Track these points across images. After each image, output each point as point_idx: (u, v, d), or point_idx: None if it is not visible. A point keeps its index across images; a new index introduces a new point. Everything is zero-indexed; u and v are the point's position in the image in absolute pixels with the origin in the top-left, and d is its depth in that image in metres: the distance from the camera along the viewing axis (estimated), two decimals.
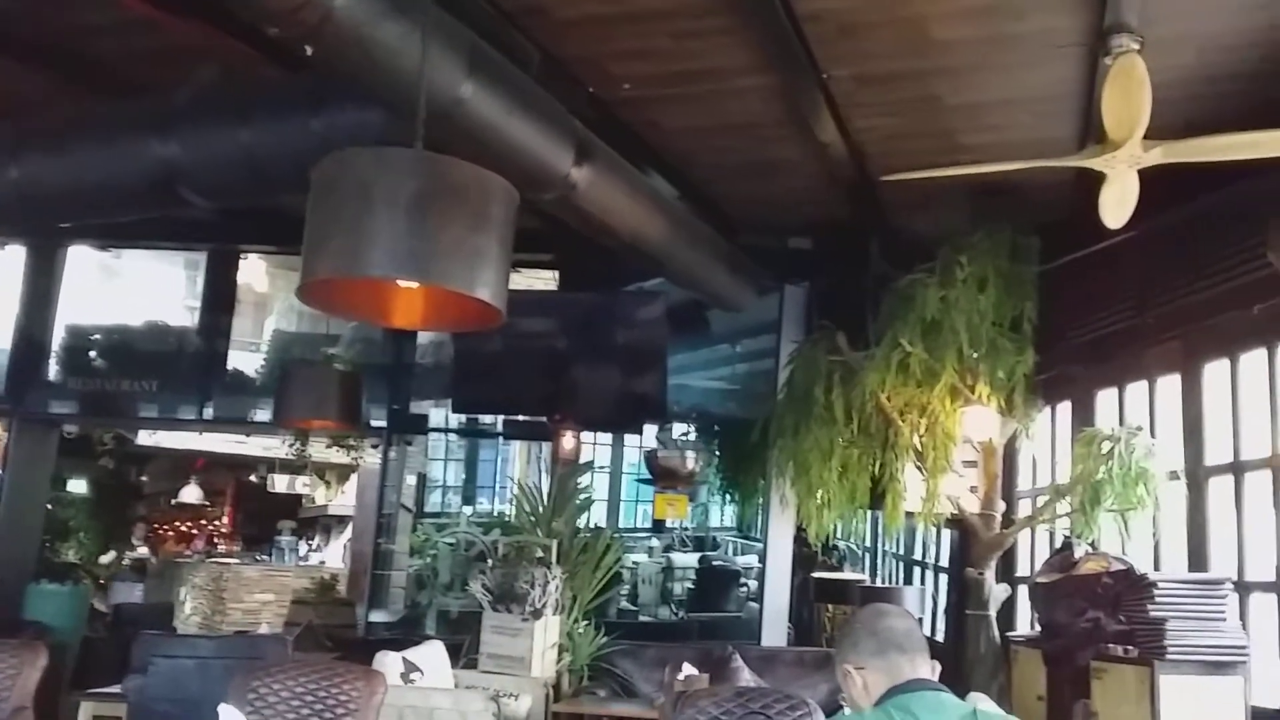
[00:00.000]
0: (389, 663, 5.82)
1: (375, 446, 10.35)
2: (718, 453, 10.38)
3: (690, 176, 7.00)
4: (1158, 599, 5.22)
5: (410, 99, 3.60)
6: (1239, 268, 5.70)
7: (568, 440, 7.67)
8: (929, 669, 2.55)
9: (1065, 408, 7.51)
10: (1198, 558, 6.22)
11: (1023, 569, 7.63)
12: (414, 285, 3.34)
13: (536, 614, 6.52)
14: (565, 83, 5.37)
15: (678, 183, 6.95)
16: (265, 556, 15.78)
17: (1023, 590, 7.32)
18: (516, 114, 4.63)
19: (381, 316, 3.83)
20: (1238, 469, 5.96)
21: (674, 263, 6.74)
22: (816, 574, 9.54)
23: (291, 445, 11.75)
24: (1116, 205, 4.51)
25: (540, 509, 7.51)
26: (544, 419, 8.20)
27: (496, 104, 4.46)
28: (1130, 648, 5.36)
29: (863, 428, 7.02)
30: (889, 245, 7.69)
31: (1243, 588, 5.81)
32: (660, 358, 7.90)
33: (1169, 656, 5.13)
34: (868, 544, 11.94)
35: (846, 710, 2.63)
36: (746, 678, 6.93)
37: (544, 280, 9.31)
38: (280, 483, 16.74)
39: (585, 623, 7.28)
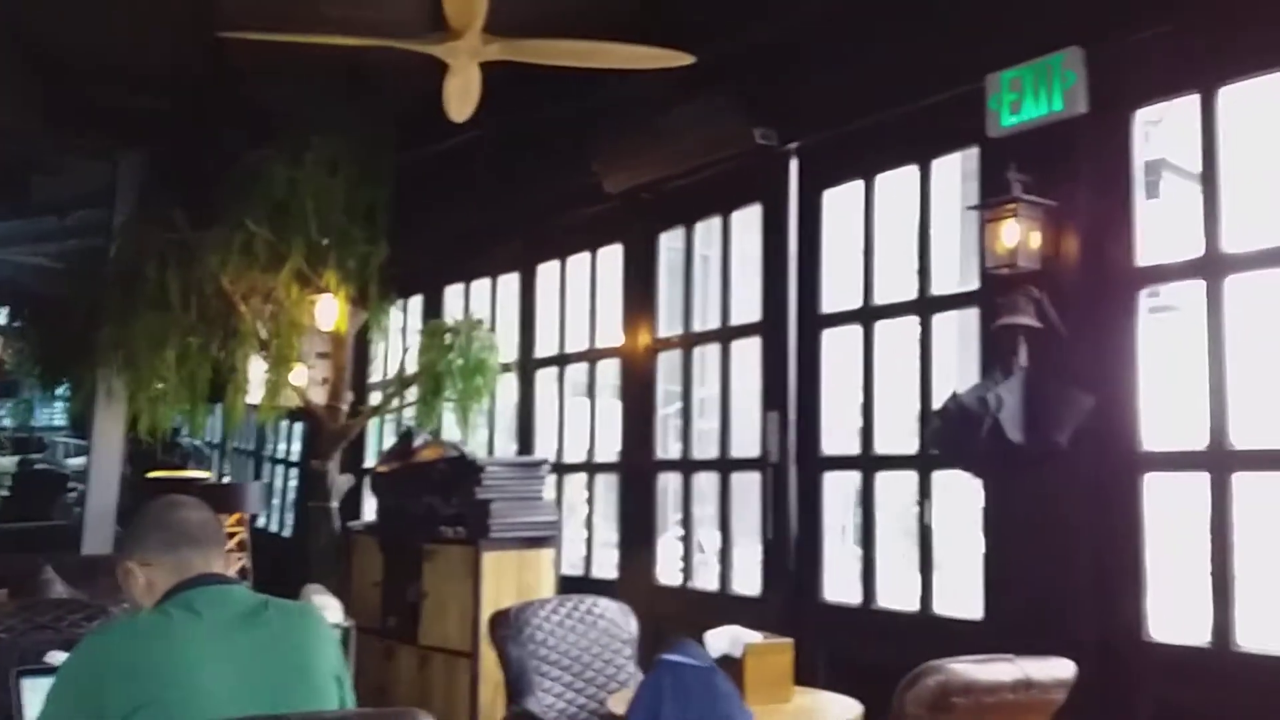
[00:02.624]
0: None
1: None
2: (38, 341, 9.08)
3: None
4: (484, 482, 5.51)
5: None
6: (572, 177, 6.13)
7: None
8: (223, 563, 2.34)
9: (418, 301, 7.68)
10: (525, 442, 6.74)
11: (374, 460, 7.72)
12: None
13: None
14: None
15: None
16: None
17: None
18: None
19: None
20: (561, 361, 6.53)
21: None
22: (155, 474, 8.82)
23: None
24: (460, 98, 4.54)
25: None
26: None
27: None
28: (460, 529, 5.63)
29: (203, 314, 6.49)
30: (243, 117, 7.14)
31: (560, 469, 6.41)
32: None
33: (492, 535, 5.46)
34: (217, 440, 11.36)
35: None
36: (59, 590, 6.17)
37: None
38: None
39: None
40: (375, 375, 7.83)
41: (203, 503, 2.48)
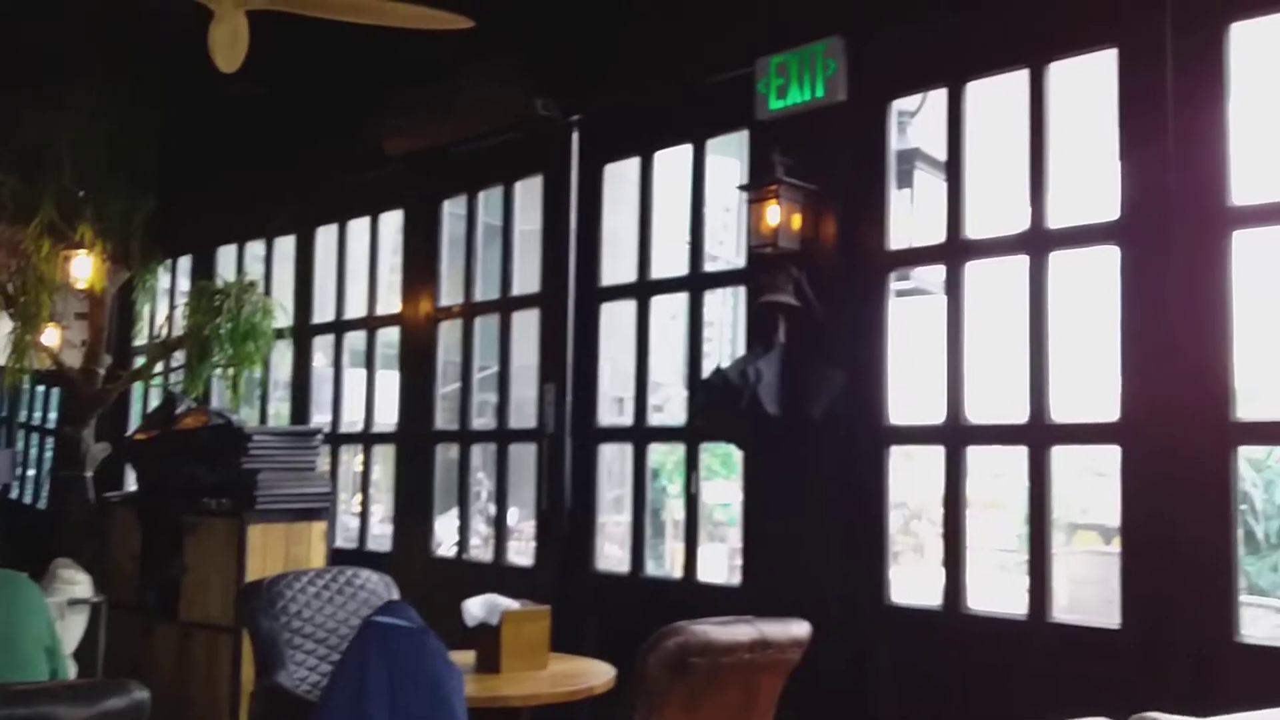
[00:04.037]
0: None
1: None
2: None
3: None
4: (251, 451, 5.31)
5: None
6: (353, 139, 5.94)
7: None
8: None
9: (189, 261, 7.30)
10: (300, 411, 6.53)
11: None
12: None
13: None
14: None
15: None
16: None
17: None
18: None
19: None
20: (339, 328, 6.35)
21: None
22: None
23: None
24: (226, 47, 4.31)
25: None
26: None
27: None
28: (224, 500, 5.41)
29: None
30: None
31: (336, 439, 6.24)
32: None
33: (258, 506, 5.27)
34: None
35: None
36: None
37: None
38: None
39: None
40: (141, 338, 7.41)
41: None
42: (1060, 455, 3.70)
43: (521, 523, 6.13)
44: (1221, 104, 3.34)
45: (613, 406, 5.64)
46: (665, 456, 7.29)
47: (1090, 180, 3.81)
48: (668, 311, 5.16)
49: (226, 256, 6.98)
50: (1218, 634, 3.25)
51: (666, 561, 7.97)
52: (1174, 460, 3.35)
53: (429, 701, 2.18)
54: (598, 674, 3.57)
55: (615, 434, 5.08)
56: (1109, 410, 3.53)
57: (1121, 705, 2.17)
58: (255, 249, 6.85)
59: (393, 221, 6.02)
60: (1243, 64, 3.37)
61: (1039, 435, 3.63)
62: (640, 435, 4.89)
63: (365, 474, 6.27)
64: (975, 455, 3.88)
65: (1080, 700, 2.97)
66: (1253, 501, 7.98)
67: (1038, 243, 3.68)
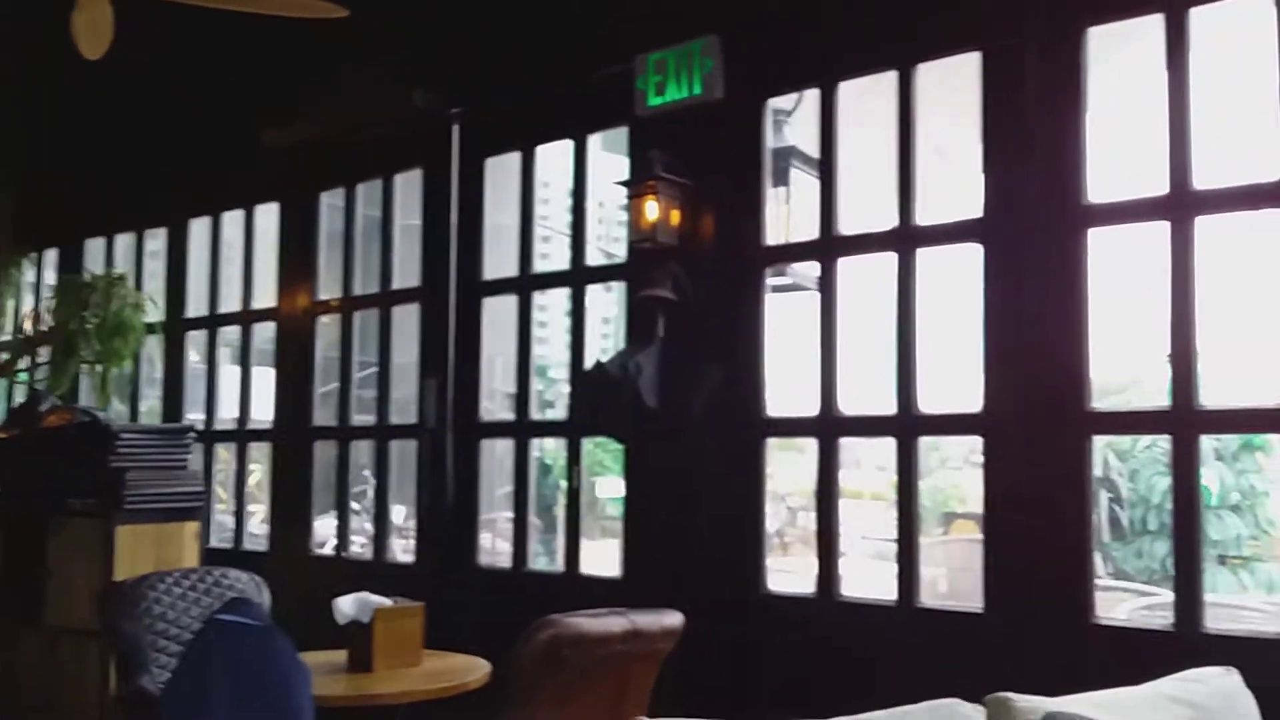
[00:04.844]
0: None
1: None
2: None
3: None
4: (118, 450, 5.13)
5: None
6: (228, 130, 5.78)
7: None
8: None
9: (56, 254, 7.02)
10: (173, 409, 6.33)
11: None
12: None
13: None
14: None
15: None
16: None
17: None
18: None
19: None
20: (214, 323, 6.17)
21: None
22: None
23: None
24: (90, 34, 4.13)
25: None
26: None
27: None
28: (90, 500, 5.22)
29: None
30: None
31: (209, 437, 6.07)
32: None
33: (127, 506, 5.10)
34: None
35: None
36: None
37: None
38: None
39: None
40: (4, 334, 7.09)
41: None
42: (940, 447, 3.81)
43: (408, 520, 6.02)
44: (1079, 105, 3.48)
45: (505, 401, 5.59)
46: (558, 452, 7.25)
47: (957, 179, 3.92)
48: (564, 307, 5.13)
49: (95, 249, 6.72)
50: (1076, 616, 3.38)
51: (558, 556, 7.94)
52: (1034, 449, 3.48)
53: (275, 699, 2.13)
54: (472, 670, 3.54)
55: (498, 429, 5.05)
56: (973, 402, 3.65)
57: (983, 686, 2.24)
58: (125, 241, 6.62)
59: (269, 214, 5.88)
60: (1099, 66, 3.51)
61: (906, 426, 3.73)
62: (523, 430, 4.87)
63: (241, 472, 6.11)
64: (861, 448, 3.96)
65: (945, 681, 3.06)
66: (1119, 490, 8.30)
67: (906, 240, 3.78)
